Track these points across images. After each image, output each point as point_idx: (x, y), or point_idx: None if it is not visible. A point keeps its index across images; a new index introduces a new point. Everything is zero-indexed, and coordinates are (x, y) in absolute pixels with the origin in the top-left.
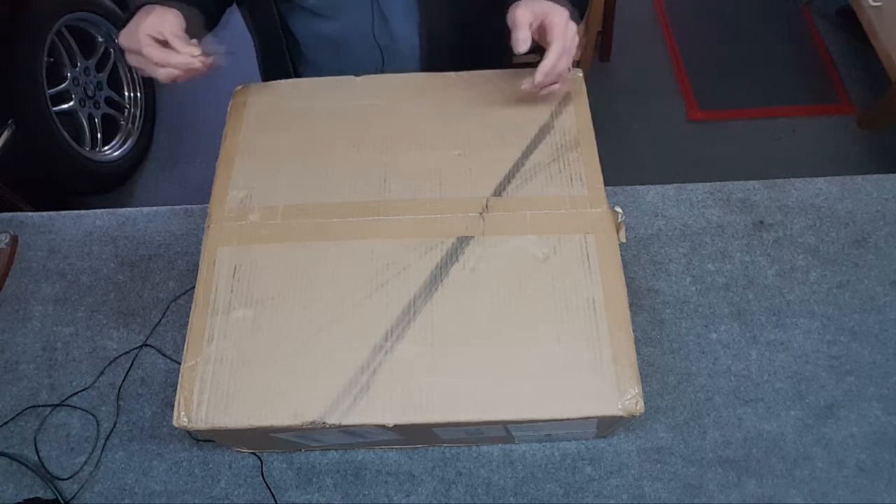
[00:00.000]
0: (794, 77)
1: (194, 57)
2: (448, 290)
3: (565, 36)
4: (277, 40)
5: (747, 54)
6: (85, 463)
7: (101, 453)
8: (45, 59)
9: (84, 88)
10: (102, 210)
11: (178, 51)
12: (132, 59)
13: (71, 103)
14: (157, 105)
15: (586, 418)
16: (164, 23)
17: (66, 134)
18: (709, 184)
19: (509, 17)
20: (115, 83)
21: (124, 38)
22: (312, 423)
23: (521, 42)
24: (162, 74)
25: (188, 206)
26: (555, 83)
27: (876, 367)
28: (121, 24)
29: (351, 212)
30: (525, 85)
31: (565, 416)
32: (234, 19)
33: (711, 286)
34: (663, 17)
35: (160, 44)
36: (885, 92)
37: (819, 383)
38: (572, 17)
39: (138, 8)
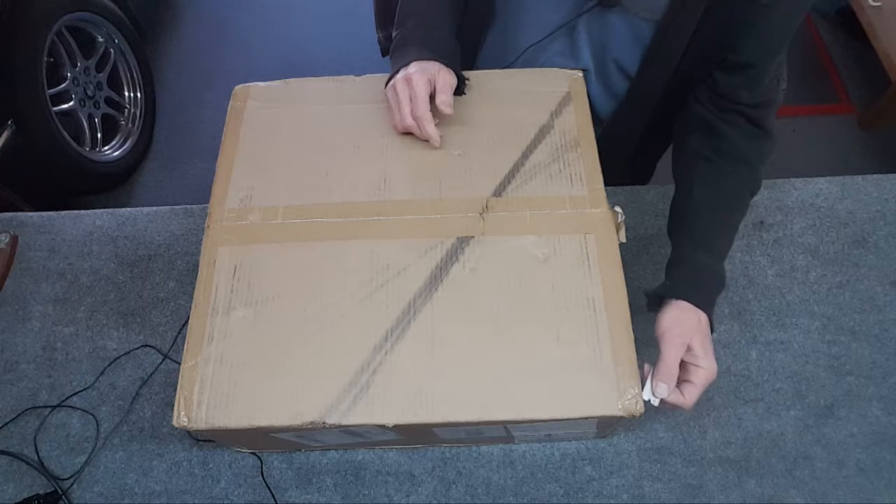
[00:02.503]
0: (793, 77)
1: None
2: (448, 290)
3: (703, 374)
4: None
5: None
6: (85, 463)
7: (101, 453)
8: (45, 59)
9: (84, 88)
10: (102, 210)
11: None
12: (399, 92)
13: (71, 103)
14: (157, 105)
15: (586, 418)
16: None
17: (66, 134)
18: None
19: (658, 326)
20: (115, 83)
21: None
22: (312, 423)
23: (659, 388)
24: (407, 121)
25: (188, 206)
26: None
27: (876, 367)
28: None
29: (351, 212)
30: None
31: (565, 416)
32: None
33: None
34: None
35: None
36: (885, 92)
37: (819, 383)
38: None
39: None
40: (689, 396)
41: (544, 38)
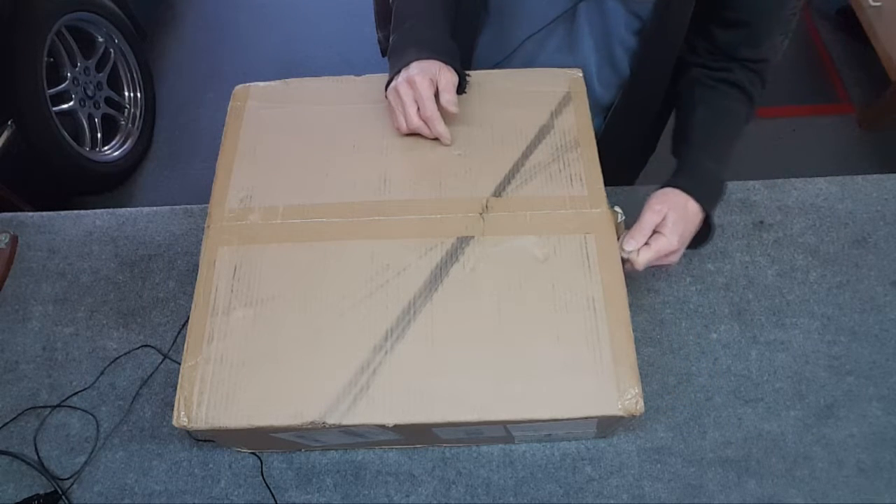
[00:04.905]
0: (794, 77)
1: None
2: (448, 290)
3: (662, 241)
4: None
5: None
6: (85, 463)
7: (101, 453)
8: (45, 59)
9: (84, 88)
10: (102, 210)
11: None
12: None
13: (71, 103)
14: (157, 105)
15: (586, 418)
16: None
17: (66, 134)
18: None
19: (646, 205)
20: (115, 83)
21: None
22: (312, 423)
23: (628, 243)
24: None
25: (188, 206)
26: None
27: (876, 367)
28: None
29: (351, 212)
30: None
31: (565, 416)
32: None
33: (711, 286)
34: None
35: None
36: (885, 92)
37: (819, 383)
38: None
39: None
40: (641, 256)
41: (541, 31)
